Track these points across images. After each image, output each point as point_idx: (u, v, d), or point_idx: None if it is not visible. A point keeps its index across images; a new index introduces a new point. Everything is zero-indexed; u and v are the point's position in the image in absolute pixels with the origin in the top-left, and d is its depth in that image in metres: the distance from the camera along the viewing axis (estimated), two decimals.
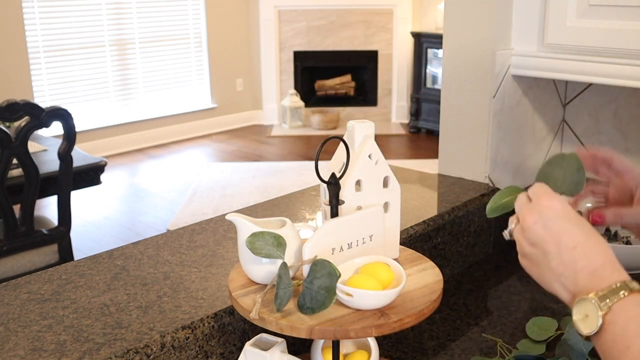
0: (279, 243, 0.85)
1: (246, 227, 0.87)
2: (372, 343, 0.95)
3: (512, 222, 0.77)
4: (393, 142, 6.40)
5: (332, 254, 0.87)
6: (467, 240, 1.47)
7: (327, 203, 0.89)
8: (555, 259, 0.70)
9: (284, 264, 0.83)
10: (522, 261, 0.74)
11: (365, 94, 7.16)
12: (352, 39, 6.87)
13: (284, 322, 0.80)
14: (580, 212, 0.84)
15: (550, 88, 1.64)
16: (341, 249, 0.88)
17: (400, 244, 1.00)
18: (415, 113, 6.62)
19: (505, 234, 0.78)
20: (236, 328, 0.99)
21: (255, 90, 7.11)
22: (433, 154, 5.79)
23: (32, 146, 2.65)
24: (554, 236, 0.70)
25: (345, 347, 0.99)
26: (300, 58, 6.99)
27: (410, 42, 6.73)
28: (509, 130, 1.54)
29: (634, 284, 0.65)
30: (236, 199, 4.81)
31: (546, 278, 0.71)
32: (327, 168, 0.93)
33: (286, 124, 6.88)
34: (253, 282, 0.90)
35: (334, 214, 0.89)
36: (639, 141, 1.61)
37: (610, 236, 1.48)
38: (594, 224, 0.87)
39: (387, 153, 5.88)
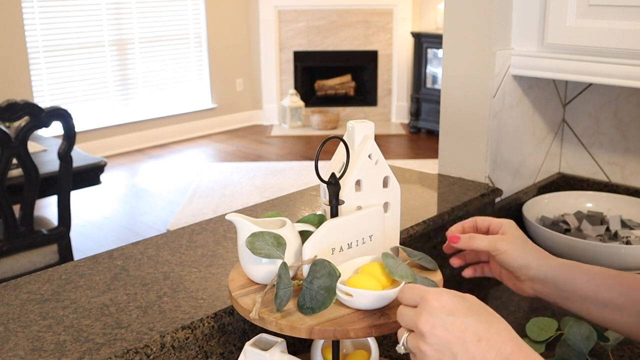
0: (279, 243, 0.85)
1: (246, 227, 0.87)
2: (372, 343, 0.95)
3: (401, 334, 0.73)
4: (393, 142, 6.40)
5: (332, 254, 0.87)
6: None
7: (327, 203, 0.89)
8: (465, 356, 0.68)
9: (284, 264, 0.83)
10: None
11: (365, 94, 7.17)
12: (352, 39, 6.87)
13: (283, 322, 0.80)
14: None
15: (550, 88, 1.64)
16: (341, 249, 0.88)
17: (400, 244, 1.00)
18: (415, 113, 6.62)
19: (400, 348, 0.73)
20: (236, 328, 0.99)
21: (255, 90, 7.11)
22: (433, 154, 5.79)
23: (32, 146, 2.65)
24: (456, 335, 0.68)
25: (345, 347, 0.99)
26: (300, 58, 6.99)
27: (410, 42, 6.73)
28: (509, 130, 1.54)
29: None
30: (236, 199, 4.81)
31: None
32: (327, 168, 0.93)
33: (286, 124, 6.88)
34: (253, 282, 0.90)
35: (334, 214, 0.89)
36: (639, 141, 1.62)
37: (610, 236, 1.48)
38: (451, 242, 0.98)
39: (387, 153, 5.88)
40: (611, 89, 1.62)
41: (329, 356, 0.93)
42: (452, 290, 0.72)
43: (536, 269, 0.91)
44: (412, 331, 0.72)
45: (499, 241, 0.94)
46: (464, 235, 0.97)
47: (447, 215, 1.38)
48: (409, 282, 0.84)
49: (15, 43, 5.28)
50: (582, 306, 0.90)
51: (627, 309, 0.86)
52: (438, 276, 0.92)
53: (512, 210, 1.59)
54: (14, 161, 2.37)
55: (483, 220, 1.01)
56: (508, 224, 0.99)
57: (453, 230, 1.01)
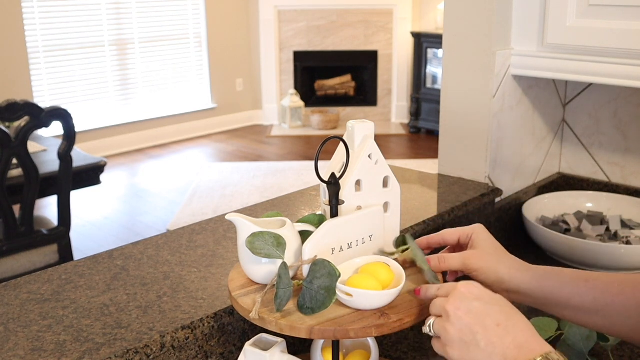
0: (279, 243, 0.85)
1: (246, 227, 0.87)
2: (372, 343, 0.95)
3: (429, 320, 0.80)
4: (393, 142, 6.40)
5: (332, 254, 0.87)
6: None
7: (327, 203, 0.89)
8: (483, 339, 0.74)
9: (284, 264, 0.83)
10: (451, 352, 0.76)
11: (365, 94, 7.16)
12: (352, 39, 6.87)
13: (283, 322, 0.80)
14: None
15: (550, 88, 1.64)
16: (341, 249, 0.88)
17: None
18: (415, 113, 6.62)
19: (426, 329, 0.80)
20: (236, 328, 0.99)
21: (255, 90, 7.11)
22: (433, 154, 5.79)
23: (32, 146, 2.65)
24: (478, 318, 0.75)
25: (345, 347, 0.99)
26: (300, 58, 6.99)
27: (410, 42, 6.73)
28: (509, 130, 1.54)
29: (555, 355, 0.72)
30: (236, 199, 4.81)
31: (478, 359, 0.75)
32: (327, 168, 0.93)
33: (286, 124, 6.88)
34: (253, 282, 0.90)
35: (334, 214, 0.89)
36: (639, 141, 1.62)
37: (610, 236, 1.48)
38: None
39: (387, 153, 5.88)
40: (611, 89, 1.62)
41: (329, 356, 0.93)
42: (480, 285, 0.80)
43: (509, 282, 0.92)
44: (441, 316, 0.78)
45: (469, 260, 0.93)
46: (434, 258, 0.94)
47: (447, 215, 1.38)
48: (424, 270, 0.88)
49: (15, 43, 5.28)
50: (557, 311, 0.92)
51: (600, 312, 0.88)
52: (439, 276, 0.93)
53: (512, 210, 1.59)
54: (14, 161, 2.37)
55: (451, 234, 0.98)
56: (477, 235, 0.96)
57: (418, 244, 0.98)
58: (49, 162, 2.71)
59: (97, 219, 4.51)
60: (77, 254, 3.29)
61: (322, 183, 0.89)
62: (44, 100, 5.58)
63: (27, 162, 2.34)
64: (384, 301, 0.82)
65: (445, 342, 0.77)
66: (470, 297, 0.77)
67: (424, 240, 0.99)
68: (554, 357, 0.72)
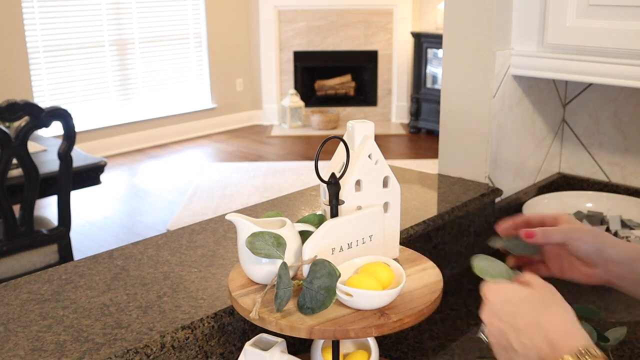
0: (279, 243, 0.85)
1: (246, 227, 0.87)
2: (372, 343, 0.95)
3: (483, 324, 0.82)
4: (393, 142, 6.40)
5: (332, 254, 0.87)
6: (467, 241, 1.47)
7: (327, 203, 0.89)
8: (517, 342, 0.75)
9: (284, 264, 0.83)
10: (498, 357, 0.78)
11: (365, 94, 7.16)
12: (352, 39, 6.87)
13: (283, 322, 0.80)
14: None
15: (550, 88, 1.64)
16: (341, 249, 0.88)
17: (400, 244, 1.00)
18: (415, 113, 6.62)
19: (480, 335, 0.83)
20: (236, 328, 0.99)
21: (255, 90, 7.11)
22: (433, 154, 5.79)
23: (32, 146, 2.65)
24: (508, 323, 0.76)
25: (345, 347, 0.99)
26: (300, 58, 6.98)
27: (410, 42, 6.73)
28: (509, 130, 1.54)
29: (593, 350, 0.70)
30: (236, 199, 4.81)
31: None
32: (327, 168, 0.93)
33: (286, 124, 6.88)
34: (253, 282, 0.90)
35: (334, 214, 0.89)
36: (639, 141, 1.62)
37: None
38: (527, 237, 0.95)
39: (387, 153, 5.88)
40: (611, 89, 1.62)
41: (329, 356, 0.93)
42: (511, 284, 0.80)
43: (612, 250, 0.91)
44: None
45: (571, 230, 0.93)
46: (538, 230, 0.94)
47: (447, 215, 1.38)
48: (495, 280, 0.86)
49: (15, 43, 5.27)
50: None
51: None
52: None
53: (512, 210, 1.59)
54: (14, 161, 2.37)
55: (535, 217, 0.99)
56: (566, 215, 0.97)
57: (503, 226, 1.00)
58: (49, 162, 2.71)
59: (97, 219, 4.51)
60: (77, 254, 3.29)
61: (322, 183, 0.89)
62: (44, 100, 5.58)
63: (27, 162, 2.34)
64: (384, 301, 0.82)
65: (492, 348, 0.78)
66: (497, 302, 0.78)
67: (510, 221, 1.00)
68: (592, 352, 0.70)
